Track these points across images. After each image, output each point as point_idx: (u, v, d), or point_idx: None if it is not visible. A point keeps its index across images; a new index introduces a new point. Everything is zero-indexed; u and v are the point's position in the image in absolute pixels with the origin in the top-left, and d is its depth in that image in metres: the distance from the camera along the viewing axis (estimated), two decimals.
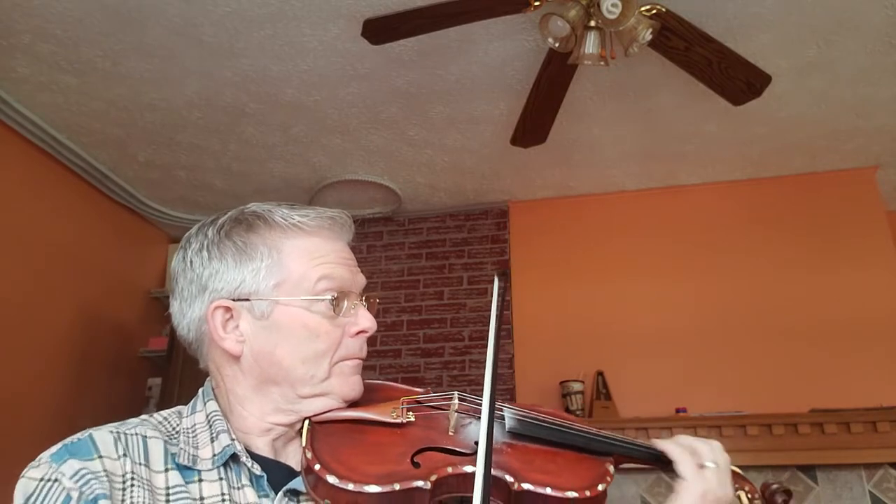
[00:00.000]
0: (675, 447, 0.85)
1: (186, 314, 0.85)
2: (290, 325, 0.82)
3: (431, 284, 3.75)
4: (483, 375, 0.72)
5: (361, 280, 0.88)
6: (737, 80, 2.34)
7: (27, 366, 2.97)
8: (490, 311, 0.79)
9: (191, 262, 0.85)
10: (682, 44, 2.21)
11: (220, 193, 3.67)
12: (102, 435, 0.74)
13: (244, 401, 0.83)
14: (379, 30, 2.24)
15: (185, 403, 0.87)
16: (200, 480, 0.76)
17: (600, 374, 3.27)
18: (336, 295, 0.83)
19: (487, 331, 0.79)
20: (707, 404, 3.02)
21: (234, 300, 0.82)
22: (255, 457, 0.79)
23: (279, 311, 0.82)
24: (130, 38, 2.51)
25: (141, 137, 3.14)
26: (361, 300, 0.87)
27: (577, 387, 3.21)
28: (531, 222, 3.76)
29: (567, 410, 3.17)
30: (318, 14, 2.41)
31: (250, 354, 0.82)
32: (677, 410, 3.05)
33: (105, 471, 0.70)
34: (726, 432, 2.88)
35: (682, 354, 3.26)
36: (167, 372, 3.58)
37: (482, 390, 0.86)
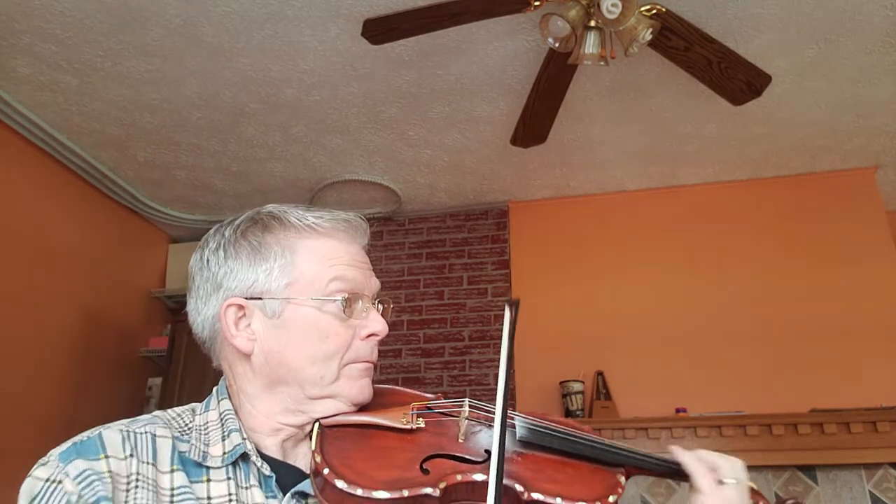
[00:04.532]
0: (694, 461, 0.84)
1: (201, 312, 0.86)
2: (300, 325, 0.82)
3: (431, 284, 3.75)
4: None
5: (375, 284, 0.88)
6: (737, 80, 2.34)
7: (28, 365, 2.97)
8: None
9: (207, 260, 0.86)
10: (682, 44, 2.21)
11: (220, 193, 3.67)
12: (111, 434, 0.74)
13: (254, 399, 0.83)
14: (379, 30, 2.24)
15: (185, 403, 0.87)
16: (209, 480, 0.76)
17: (600, 374, 3.27)
18: (348, 296, 0.83)
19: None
20: (707, 404, 3.02)
21: (247, 298, 0.82)
22: (264, 457, 0.79)
23: (290, 311, 0.82)
24: (130, 38, 2.52)
25: (141, 137, 3.14)
26: (375, 303, 0.87)
27: (577, 387, 3.21)
28: (531, 222, 3.76)
29: (567, 410, 3.18)
30: (318, 14, 2.41)
31: (261, 353, 0.82)
32: (677, 410, 3.05)
33: (110, 471, 0.71)
34: (726, 432, 2.88)
35: (682, 354, 3.26)
36: (167, 372, 3.58)
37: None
